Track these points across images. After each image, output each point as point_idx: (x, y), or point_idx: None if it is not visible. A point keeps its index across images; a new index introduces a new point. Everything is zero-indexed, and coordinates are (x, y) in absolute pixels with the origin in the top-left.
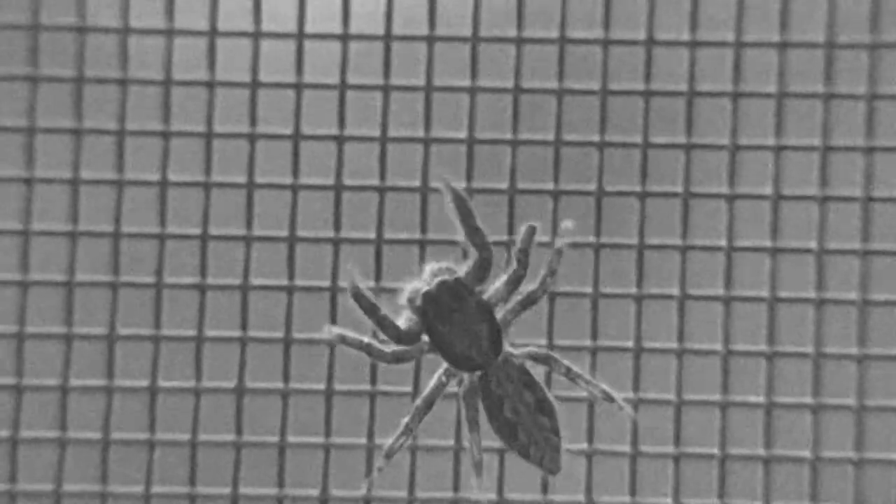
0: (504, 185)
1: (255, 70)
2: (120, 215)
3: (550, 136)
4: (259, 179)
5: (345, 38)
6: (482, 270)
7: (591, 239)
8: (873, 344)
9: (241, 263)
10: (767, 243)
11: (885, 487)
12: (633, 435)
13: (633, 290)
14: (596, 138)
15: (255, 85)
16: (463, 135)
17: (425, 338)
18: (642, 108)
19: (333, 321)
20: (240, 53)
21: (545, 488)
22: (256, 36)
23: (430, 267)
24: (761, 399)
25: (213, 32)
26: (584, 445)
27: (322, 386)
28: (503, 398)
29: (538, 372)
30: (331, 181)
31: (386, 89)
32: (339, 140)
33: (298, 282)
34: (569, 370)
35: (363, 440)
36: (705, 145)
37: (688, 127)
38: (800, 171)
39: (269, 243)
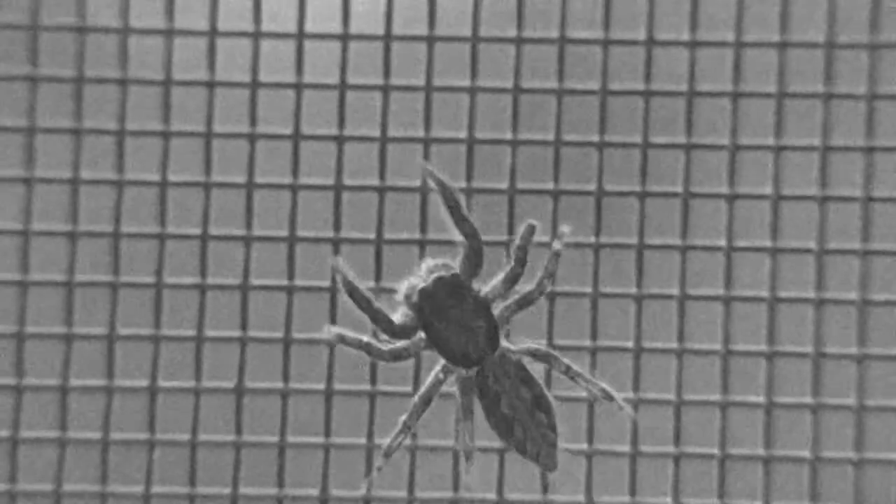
0: (504, 185)
1: (254, 70)
2: (120, 215)
3: (550, 137)
4: (259, 179)
5: (344, 37)
6: (473, 260)
7: (591, 239)
8: (873, 344)
9: (241, 263)
10: (767, 243)
11: (885, 487)
12: (633, 435)
13: (633, 290)
14: (596, 138)
15: (254, 85)
16: (463, 135)
17: (422, 334)
18: (642, 108)
19: (333, 321)
20: (240, 53)
21: (545, 489)
22: (256, 36)
23: (426, 263)
24: (761, 399)
25: (212, 32)
26: (584, 445)
27: (322, 386)
28: (500, 394)
29: (537, 369)
30: (331, 181)
31: (386, 89)
32: (339, 140)
33: (298, 282)
34: (568, 368)
35: (363, 440)
36: (705, 145)
37: (688, 127)
38: (800, 171)
39: (269, 243)
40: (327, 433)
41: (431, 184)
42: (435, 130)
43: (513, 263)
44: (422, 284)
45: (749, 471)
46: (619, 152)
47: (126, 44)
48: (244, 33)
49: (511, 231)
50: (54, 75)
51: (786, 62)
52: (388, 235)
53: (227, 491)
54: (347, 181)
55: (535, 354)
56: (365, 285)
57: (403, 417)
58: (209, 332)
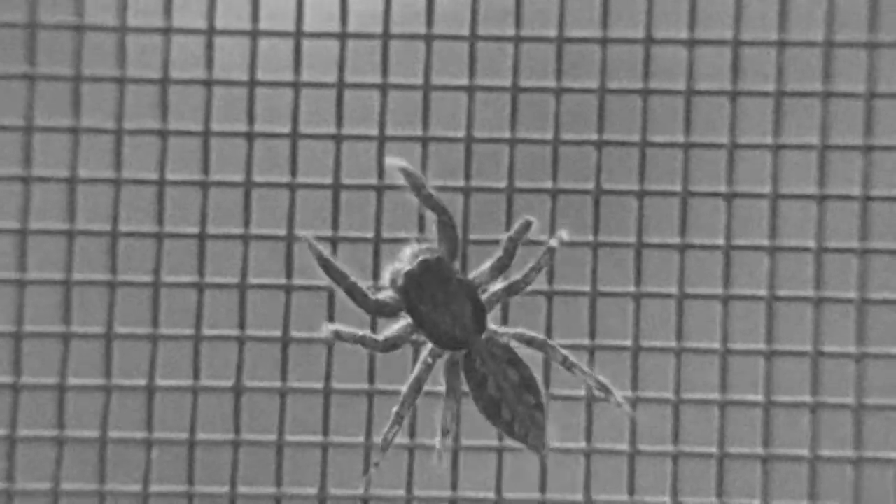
0: (502, 184)
1: (252, 69)
2: (118, 214)
3: (549, 135)
4: (257, 178)
5: (343, 36)
6: (448, 232)
7: (590, 237)
8: (872, 343)
9: (239, 262)
10: (766, 242)
11: (883, 486)
12: (632, 434)
13: (632, 289)
14: (594, 137)
15: (252, 84)
16: (461, 133)
17: (409, 319)
18: (641, 106)
19: (331, 320)
20: (238, 52)
21: (543, 487)
22: (254, 35)
23: (410, 248)
24: (760, 398)
25: (210, 31)
26: (583, 444)
27: (320, 385)
28: (487, 376)
29: (527, 354)
30: (329, 180)
31: (384, 88)
32: (337, 139)
33: (296, 281)
34: (565, 359)
35: (361, 439)
36: (703, 144)
37: (686, 126)
38: (798, 169)
39: (267, 242)
40: (325, 432)
41: (397, 172)
42: (433, 129)
43: (501, 254)
44: (407, 268)
45: (747, 469)
46: (618, 151)
47: (124, 42)
48: (242, 32)
49: (509, 229)
50: (52, 74)
51: (784, 61)
52: (386, 234)
53: (225, 490)
54: (345, 180)
55: (530, 342)
56: (364, 284)
57: (396, 408)
58: (207, 331)
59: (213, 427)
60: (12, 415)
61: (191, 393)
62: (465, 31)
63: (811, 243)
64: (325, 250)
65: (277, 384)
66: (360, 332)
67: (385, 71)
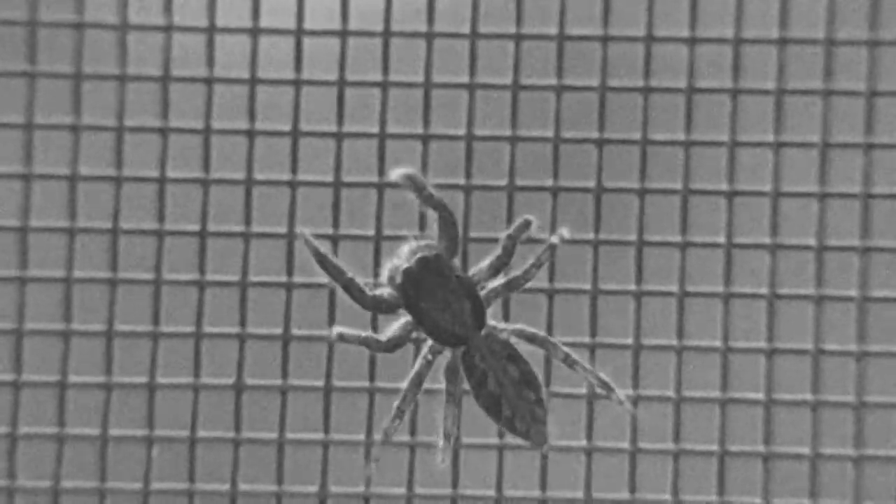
0: (503, 182)
1: (253, 67)
2: (118, 211)
3: (549, 133)
4: (258, 176)
5: (343, 34)
6: (449, 229)
7: (590, 236)
8: (873, 341)
9: (240, 260)
10: (767, 240)
11: (884, 484)
12: (633, 431)
13: (633, 287)
14: (595, 135)
15: (253, 81)
16: (462, 131)
17: (408, 317)
18: (641, 104)
19: (332, 318)
20: (238, 50)
21: (544, 485)
22: (255, 32)
23: (408, 245)
24: (761, 396)
25: (211, 29)
26: (584, 442)
27: (321, 383)
28: (487, 372)
29: (527, 351)
30: (329, 178)
31: (385, 86)
32: (338, 137)
33: (297, 278)
34: (567, 356)
35: (362, 437)
36: (704, 142)
37: (687, 123)
38: (799, 167)
39: (268, 240)
40: (326, 430)
41: (401, 181)
42: (434, 127)
43: (500, 252)
44: (405, 265)
45: (748, 467)
46: (619, 149)
47: (124, 40)
48: (243, 29)
49: (509, 228)
50: (52, 71)
51: (785, 58)
52: (386, 232)
53: (225, 487)
54: (346, 178)
55: (532, 338)
56: (362, 281)
57: (396, 403)
58: (208, 329)
59: (213, 425)
60: (13, 412)
61: (191, 390)
62: (466, 29)
63: (812, 241)
64: (322, 246)
65: (278, 382)
66: (364, 334)
67: (386, 69)
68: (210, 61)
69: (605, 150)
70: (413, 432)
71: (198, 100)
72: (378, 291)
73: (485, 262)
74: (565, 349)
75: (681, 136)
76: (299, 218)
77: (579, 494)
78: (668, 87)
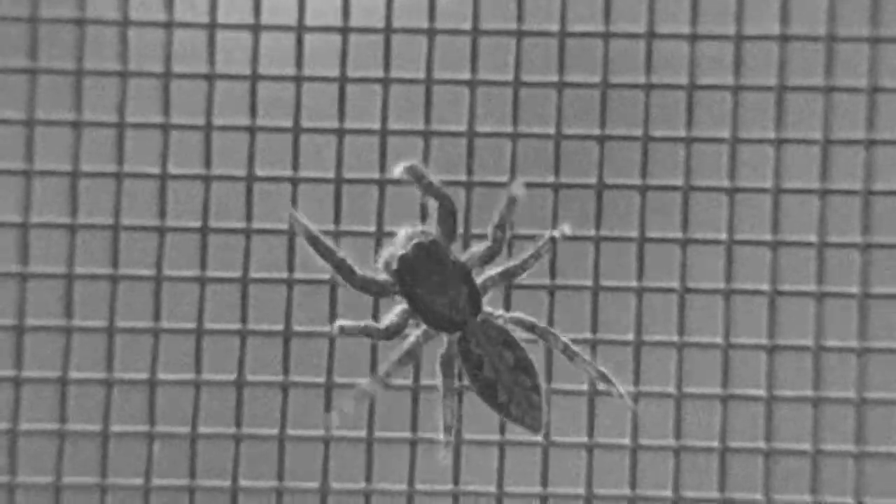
0: (504, 179)
1: (255, 63)
2: (119, 208)
3: (551, 130)
4: (259, 172)
5: (345, 30)
6: (448, 219)
7: (592, 232)
8: (874, 337)
9: (241, 256)
10: (768, 236)
11: (885, 480)
12: (633, 428)
13: (634, 284)
14: (596, 131)
15: (255, 77)
16: (463, 128)
17: (405, 305)
18: (643, 101)
19: (333, 314)
20: (240, 46)
21: (545, 481)
22: (256, 28)
23: (404, 231)
24: (762, 392)
25: (212, 25)
26: (585, 438)
27: (322, 379)
28: (482, 358)
29: (528, 347)
30: (331, 174)
31: (386, 82)
32: (339, 133)
33: (298, 275)
34: (566, 347)
35: (363, 433)
36: (706, 138)
37: (688, 120)
38: (800, 164)
39: (269, 236)
40: (327, 426)
41: (404, 174)
42: (435, 123)
43: (490, 244)
44: (401, 252)
45: (749, 464)
46: (620, 145)
47: (126, 36)
48: (244, 26)
49: (512, 224)
50: (54, 67)
51: (787, 55)
52: (388, 228)
53: (226, 483)
54: (347, 174)
55: (531, 328)
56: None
57: (381, 371)
58: (209, 325)
59: (214, 421)
60: (14, 408)
61: (192, 387)
62: (468, 26)
63: (813, 238)
64: (313, 226)
65: (279, 378)
66: (364, 323)
67: (387, 65)
68: (211, 57)
69: (606, 146)
70: (413, 429)
71: (199, 96)
72: (370, 274)
73: (477, 249)
74: (564, 340)
75: (682, 133)
76: (300, 214)
77: (580, 490)
78: (670, 83)
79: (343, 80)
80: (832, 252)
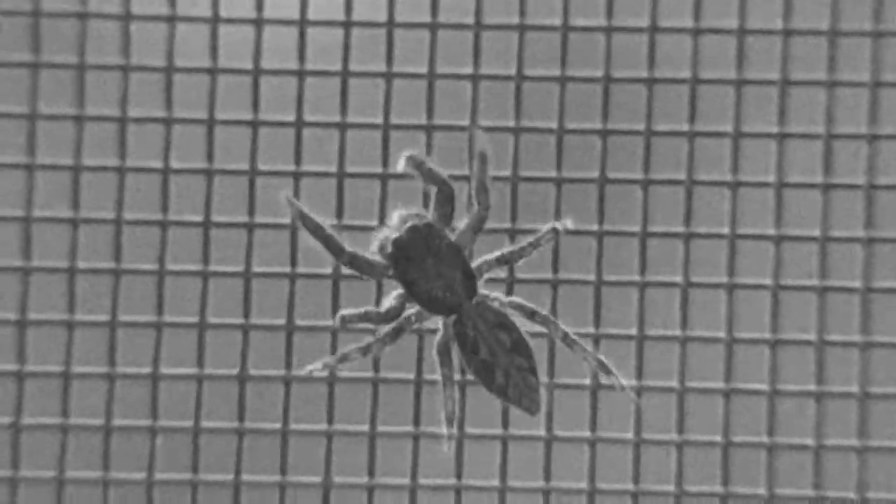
0: (506, 173)
1: (257, 57)
2: (122, 202)
3: (553, 124)
4: (261, 166)
5: (347, 24)
6: (446, 204)
7: (594, 226)
8: (877, 331)
9: (244, 250)
10: (771, 231)
11: (888, 475)
12: (636, 422)
13: (637, 278)
14: (599, 126)
15: (257, 72)
16: (465, 122)
17: (400, 290)
18: (645, 95)
19: (335, 308)
20: (242, 40)
21: (547, 475)
22: (259, 23)
23: (398, 214)
24: (764, 387)
25: (215, 19)
26: (587, 433)
27: (325, 373)
28: (478, 340)
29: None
30: (333, 168)
31: (388, 76)
32: (342, 127)
33: (301, 269)
34: (566, 335)
35: (365, 427)
36: (708, 133)
37: (691, 115)
38: (803, 158)
39: (272, 230)
40: (330, 420)
41: (407, 166)
42: (437, 118)
43: (476, 206)
44: (395, 235)
45: (752, 458)
46: (622, 140)
47: (128, 30)
48: (246, 20)
49: (514, 219)
50: (56, 62)
51: (789, 50)
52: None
53: (229, 478)
54: (350, 168)
55: (531, 315)
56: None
57: (370, 341)
58: (211, 320)
59: (217, 415)
60: (17, 402)
61: (195, 381)
62: (470, 20)
63: (816, 232)
64: (303, 205)
65: (282, 372)
66: (363, 309)
67: (389, 59)
68: (213, 52)
69: (608, 140)
70: (416, 423)
71: (201, 90)
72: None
73: (464, 223)
74: (564, 328)
75: (685, 127)
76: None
77: (583, 485)
78: (672, 78)
79: (345, 75)
80: (835, 246)
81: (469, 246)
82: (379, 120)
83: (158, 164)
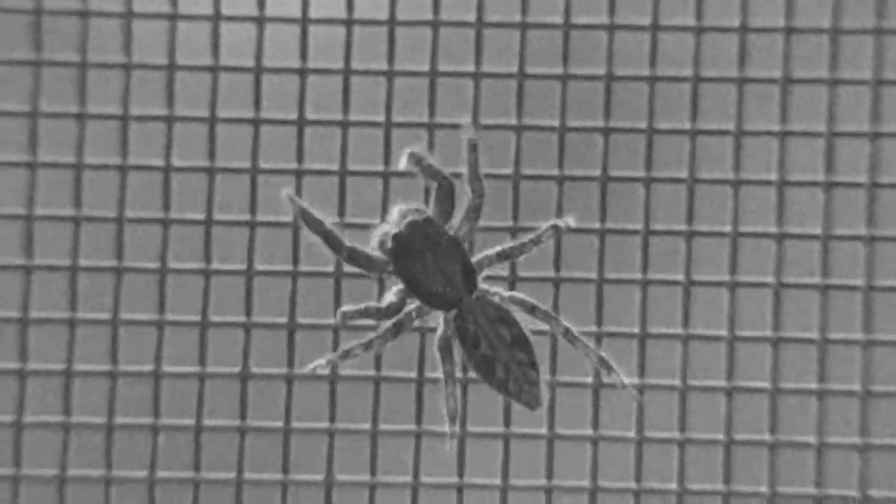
0: (508, 171)
1: (259, 55)
2: (124, 200)
3: (555, 122)
4: (263, 164)
5: (349, 22)
6: (445, 200)
7: (596, 225)
8: (878, 330)
9: (246, 248)
10: (773, 229)
11: (890, 473)
12: (638, 420)
13: (638, 276)
14: (601, 124)
15: (259, 70)
16: (467, 120)
17: (401, 286)
18: (647, 93)
19: (337, 306)
20: (244, 38)
21: (549, 473)
22: (260, 21)
23: (398, 209)
24: (766, 385)
25: (216, 17)
26: (589, 431)
27: (326, 371)
28: (479, 335)
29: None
30: (335, 166)
31: (390, 74)
32: (344, 125)
33: (303, 267)
34: (567, 331)
35: (367, 426)
36: (710, 131)
37: (693, 113)
38: (805, 156)
39: (273, 228)
40: (332, 419)
41: (408, 162)
42: (439, 116)
43: (471, 196)
44: (395, 230)
45: (754, 456)
46: (624, 138)
47: (130, 28)
48: (248, 18)
49: (516, 217)
50: (58, 60)
51: (791, 48)
52: None
53: (231, 476)
54: (352, 167)
55: (532, 309)
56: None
57: (371, 336)
58: (214, 318)
59: (219, 413)
60: (19, 401)
61: (197, 379)
62: (472, 18)
63: (818, 230)
64: (308, 205)
65: (284, 370)
66: (364, 305)
67: (391, 57)
68: (215, 50)
69: (610, 138)
70: (418, 421)
71: (203, 88)
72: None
73: (460, 214)
74: (565, 324)
75: (687, 125)
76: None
77: (585, 483)
78: (674, 76)
79: (347, 73)
80: (837, 244)
81: (469, 237)
82: (381, 118)
83: (160, 162)
